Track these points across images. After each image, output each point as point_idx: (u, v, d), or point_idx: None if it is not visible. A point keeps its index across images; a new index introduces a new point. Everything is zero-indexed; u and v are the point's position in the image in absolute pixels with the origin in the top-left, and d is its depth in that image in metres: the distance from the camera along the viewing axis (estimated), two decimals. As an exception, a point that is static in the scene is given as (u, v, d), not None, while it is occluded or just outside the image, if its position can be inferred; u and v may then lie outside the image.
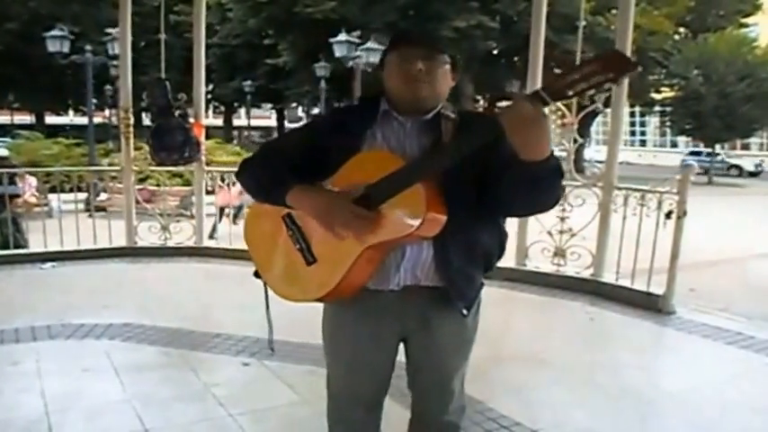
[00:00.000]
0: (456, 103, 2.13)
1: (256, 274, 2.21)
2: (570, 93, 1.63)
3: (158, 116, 7.10)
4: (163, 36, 7.45)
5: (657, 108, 37.00)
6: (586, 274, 6.11)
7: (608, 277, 6.02)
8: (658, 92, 35.11)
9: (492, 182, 1.88)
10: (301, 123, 2.81)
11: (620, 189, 5.98)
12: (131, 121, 7.13)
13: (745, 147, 47.09)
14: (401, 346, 2.19)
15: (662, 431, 3.43)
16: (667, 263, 5.49)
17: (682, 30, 35.33)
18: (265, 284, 2.21)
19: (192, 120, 7.20)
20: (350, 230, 1.88)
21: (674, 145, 49.65)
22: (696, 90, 31.31)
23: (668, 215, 5.56)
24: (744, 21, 35.60)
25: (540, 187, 1.83)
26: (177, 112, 7.09)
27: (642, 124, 51.31)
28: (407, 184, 1.83)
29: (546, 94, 1.64)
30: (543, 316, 5.38)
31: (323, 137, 2.05)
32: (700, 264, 8.49)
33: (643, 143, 51.90)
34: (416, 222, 1.82)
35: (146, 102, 7.60)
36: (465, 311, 2.06)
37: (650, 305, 5.54)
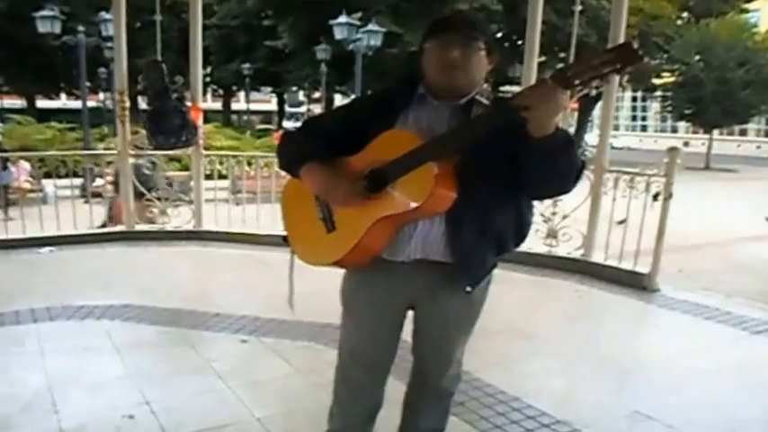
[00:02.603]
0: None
1: (284, 239, 2.36)
2: (576, 81, 1.76)
3: (155, 99, 7.06)
4: (159, 17, 7.46)
5: (658, 93, 37.00)
6: (577, 254, 6.25)
7: (597, 257, 6.16)
8: (659, 77, 35.08)
9: (519, 166, 1.98)
10: (342, 103, 2.98)
11: (610, 172, 6.12)
12: (127, 104, 7.18)
13: (743, 132, 47.29)
14: (410, 314, 2.33)
15: (638, 396, 3.59)
16: (654, 243, 5.64)
17: (684, 14, 35.26)
18: (292, 249, 2.36)
19: (189, 103, 7.25)
20: (348, 206, 2.06)
21: (675, 130, 49.81)
22: (696, 75, 31.32)
23: (655, 197, 5.71)
24: (745, 6, 35.53)
25: (556, 160, 1.93)
26: (174, 95, 7.15)
27: (643, 109, 51.42)
28: (420, 162, 1.94)
29: (554, 82, 1.78)
30: (533, 293, 5.52)
31: (360, 115, 2.19)
32: (689, 246, 8.65)
33: (644, 128, 52.02)
34: (422, 198, 1.94)
35: (142, 85, 7.62)
36: (469, 288, 2.16)
37: (636, 283, 5.71)
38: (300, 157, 2.15)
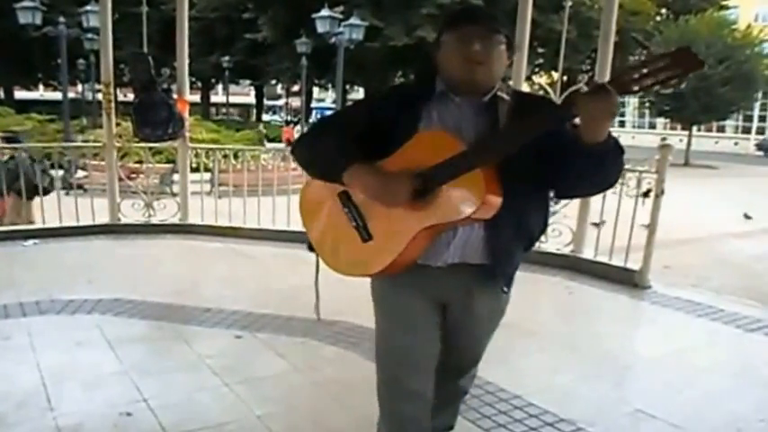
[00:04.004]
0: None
1: (311, 248, 2.25)
2: (636, 87, 1.69)
3: (141, 91, 7.01)
4: (145, 8, 7.40)
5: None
6: (566, 250, 6.24)
7: (587, 253, 6.16)
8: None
9: (553, 164, 1.93)
10: (357, 100, 2.84)
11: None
12: (113, 96, 7.10)
13: (721, 129, 47.75)
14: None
15: (637, 393, 3.59)
16: (644, 240, 5.65)
17: (663, 11, 35.50)
18: (317, 258, 2.25)
19: (175, 95, 7.18)
20: (407, 209, 1.94)
21: (653, 126, 50.09)
22: (674, 84, 31.47)
23: (646, 194, 5.73)
24: (724, 3, 35.84)
25: (604, 165, 1.88)
26: (160, 88, 7.09)
27: (622, 105, 51.60)
28: (467, 169, 1.86)
29: (612, 87, 1.70)
30: (525, 290, 5.39)
31: (382, 115, 2.08)
32: (674, 242, 8.69)
33: (622, 124, 52.24)
34: (474, 207, 1.87)
35: (128, 77, 7.55)
36: (506, 288, 2.18)
37: (627, 280, 5.70)
38: (338, 160, 2.01)
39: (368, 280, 2.22)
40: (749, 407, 3.48)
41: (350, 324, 4.32)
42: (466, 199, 1.88)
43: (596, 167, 1.87)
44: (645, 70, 1.67)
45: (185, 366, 3.75)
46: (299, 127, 27.72)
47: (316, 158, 2.14)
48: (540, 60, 32.81)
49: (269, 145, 20.70)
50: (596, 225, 5.96)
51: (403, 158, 1.98)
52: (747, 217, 12.51)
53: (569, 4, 6.57)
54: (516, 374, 3.71)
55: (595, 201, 5.98)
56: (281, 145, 20.96)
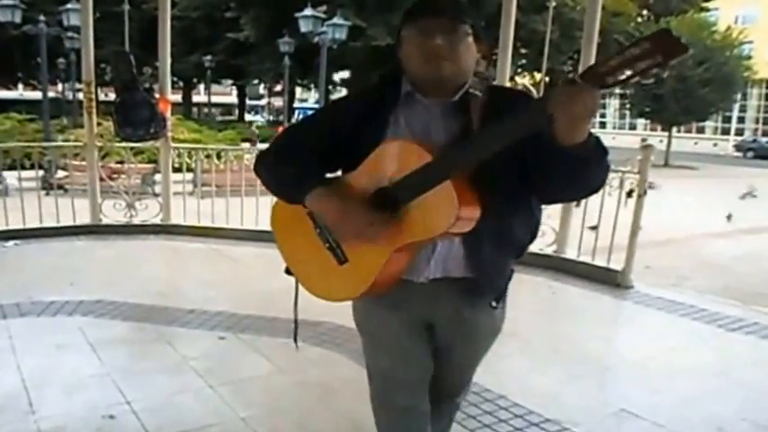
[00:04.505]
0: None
1: (287, 272, 2.08)
2: (611, 80, 1.47)
3: (123, 91, 6.95)
4: (126, 7, 7.36)
5: (618, 90, 37.41)
6: (549, 250, 6.26)
7: (570, 254, 6.19)
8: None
9: (534, 169, 1.75)
10: (322, 107, 2.69)
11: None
12: (95, 95, 7.03)
13: (701, 130, 48.20)
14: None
15: (621, 393, 3.62)
16: (626, 240, 5.68)
17: (645, 12, 35.72)
18: (296, 280, 2.10)
19: (157, 95, 7.13)
20: (366, 240, 1.78)
21: (633, 127, 50.50)
22: (656, 73, 31.69)
23: (629, 194, 5.76)
24: (705, 5, 36.11)
25: (588, 169, 1.70)
26: (142, 87, 7.04)
27: (603, 106, 51.94)
28: (436, 181, 1.68)
29: (587, 82, 1.49)
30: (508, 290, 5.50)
31: (346, 123, 1.91)
32: (654, 243, 8.73)
33: (603, 125, 52.57)
34: (447, 223, 1.69)
35: (109, 76, 7.50)
36: (494, 303, 2.00)
37: (610, 280, 5.74)
38: (300, 183, 1.87)
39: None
40: (731, 406, 3.51)
41: (334, 325, 4.30)
42: (438, 215, 1.71)
43: (579, 171, 1.69)
44: (619, 61, 1.45)
45: (168, 368, 3.71)
46: None
47: (277, 182, 1.98)
48: (523, 61, 32.91)
49: (261, 146, 20.48)
50: (593, 228, 5.96)
51: (368, 172, 1.82)
52: (730, 217, 12.59)
53: (553, 4, 6.56)
54: (501, 375, 3.69)
55: (588, 201, 6.01)
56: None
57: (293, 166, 1.92)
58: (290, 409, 3.28)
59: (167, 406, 3.25)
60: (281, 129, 28.72)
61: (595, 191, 1.86)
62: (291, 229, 2.03)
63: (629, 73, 1.45)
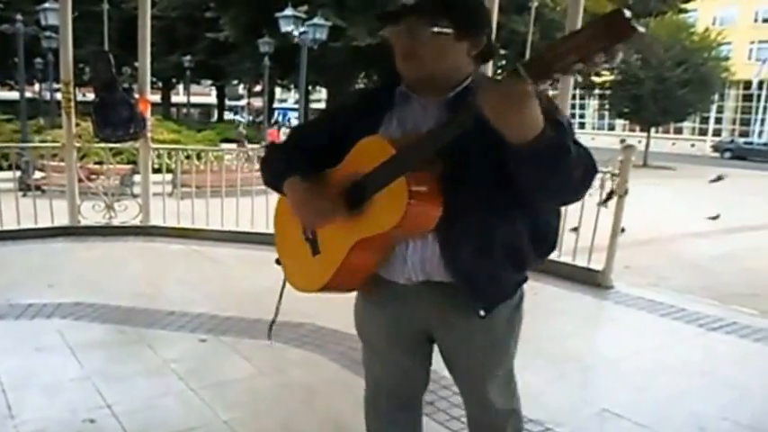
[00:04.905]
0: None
1: (278, 261, 2.12)
2: (555, 68, 1.34)
3: (102, 91, 6.92)
4: (106, 6, 7.30)
5: (597, 91, 37.63)
6: (530, 251, 6.26)
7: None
8: (599, 75, 35.65)
9: (509, 170, 1.64)
10: (326, 107, 2.68)
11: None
12: (73, 95, 6.96)
13: (678, 131, 48.66)
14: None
15: (603, 393, 3.64)
16: (606, 241, 5.71)
17: (625, 13, 35.91)
18: (284, 277, 2.12)
19: (136, 95, 7.08)
20: (342, 222, 1.81)
21: (612, 128, 50.90)
22: (635, 74, 31.96)
23: (610, 195, 5.79)
24: (684, 6, 36.39)
25: (542, 168, 1.57)
26: (121, 87, 6.99)
27: (582, 107, 52.27)
28: (395, 174, 1.68)
29: (524, 71, 1.38)
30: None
31: (345, 121, 1.93)
32: (634, 243, 8.78)
33: (582, 125, 52.86)
34: (396, 219, 1.68)
35: (88, 76, 7.44)
36: (483, 312, 1.87)
37: (590, 280, 5.79)
38: (281, 172, 1.93)
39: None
40: (713, 406, 3.54)
41: (315, 327, 4.31)
42: (388, 210, 1.70)
43: (540, 171, 1.58)
44: (566, 46, 1.31)
45: (149, 371, 3.68)
46: (285, 129, 27.37)
47: (267, 172, 2.04)
48: (503, 62, 33.04)
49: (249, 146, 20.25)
50: (574, 230, 6.00)
51: (346, 168, 1.85)
52: (713, 218, 12.69)
53: (535, 4, 6.57)
54: (483, 376, 3.72)
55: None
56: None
57: (282, 157, 2.02)
58: (273, 412, 3.27)
59: (148, 409, 3.22)
60: (270, 131, 28.58)
61: (576, 193, 1.71)
62: (285, 222, 2.05)
63: (574, 58, 1.31)
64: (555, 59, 1.33)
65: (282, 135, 27.11)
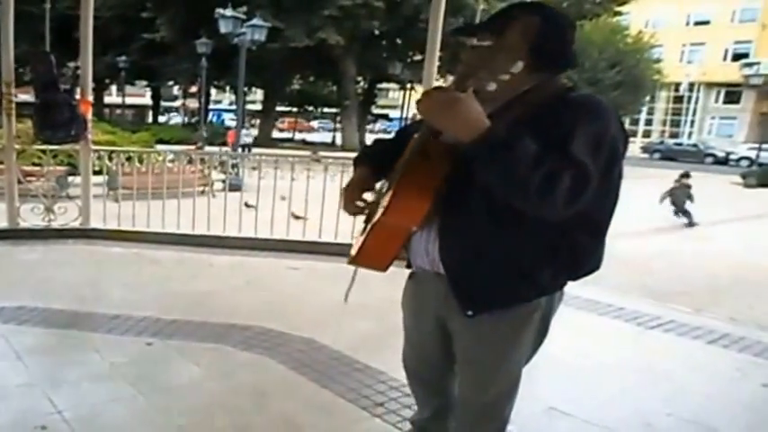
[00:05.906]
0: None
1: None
2: (468, 77, 1.65)
3: (42, 92, 6.76)
4: (48, 5, 7.15)
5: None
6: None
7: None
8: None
9: None
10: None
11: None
12: (14, 96, 6.82)
13: (610, 132, 49.75)
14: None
15: (549, 391, 3.71)
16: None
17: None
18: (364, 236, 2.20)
19: (78, 96, 6.96)
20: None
21: (548, 130, 51.78)
22: (569, 77, 32.55)
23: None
24: (618, 9, 37.24)
25: (489, 166, 1.66)
26: (63, 88, 6.86)
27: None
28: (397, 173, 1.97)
29: (454, 84, 1.70)
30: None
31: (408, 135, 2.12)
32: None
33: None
34: (383, 208, 1.93)
35: (28, 76, 7.27)
36: (470, 312, 1.95)
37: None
38: (359, 158, 2.33)
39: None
40: (656, 402, 3.68)
41: (262, 329, 4.31)
42: (385, 201, 1.96)
43: (486, 171, 1.69)
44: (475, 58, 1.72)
45: (98, 376, 3.65)
46: (244, 131, 27.02)
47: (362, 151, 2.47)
48: (438, 63, 33.28)
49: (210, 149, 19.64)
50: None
51: (400, 161, 2.07)
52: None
53: (481, 8, 6.72)
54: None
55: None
56: (215, 148, 19.96)
57: (376, 143, 2.48)
58: (226, 415, 3.28)
59: (99, 415, 3.20)
60: (230, 132, 28.02)
61: (540, 197, 1.65)
62: None
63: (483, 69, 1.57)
64: (467, 69, 1.58)
65: (245, 137, 26.71)
